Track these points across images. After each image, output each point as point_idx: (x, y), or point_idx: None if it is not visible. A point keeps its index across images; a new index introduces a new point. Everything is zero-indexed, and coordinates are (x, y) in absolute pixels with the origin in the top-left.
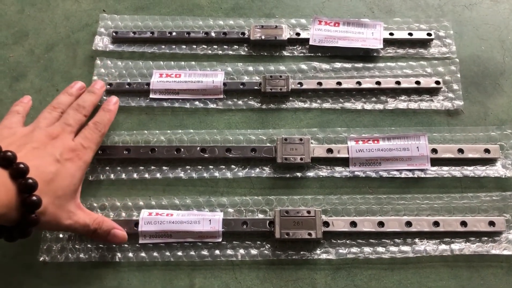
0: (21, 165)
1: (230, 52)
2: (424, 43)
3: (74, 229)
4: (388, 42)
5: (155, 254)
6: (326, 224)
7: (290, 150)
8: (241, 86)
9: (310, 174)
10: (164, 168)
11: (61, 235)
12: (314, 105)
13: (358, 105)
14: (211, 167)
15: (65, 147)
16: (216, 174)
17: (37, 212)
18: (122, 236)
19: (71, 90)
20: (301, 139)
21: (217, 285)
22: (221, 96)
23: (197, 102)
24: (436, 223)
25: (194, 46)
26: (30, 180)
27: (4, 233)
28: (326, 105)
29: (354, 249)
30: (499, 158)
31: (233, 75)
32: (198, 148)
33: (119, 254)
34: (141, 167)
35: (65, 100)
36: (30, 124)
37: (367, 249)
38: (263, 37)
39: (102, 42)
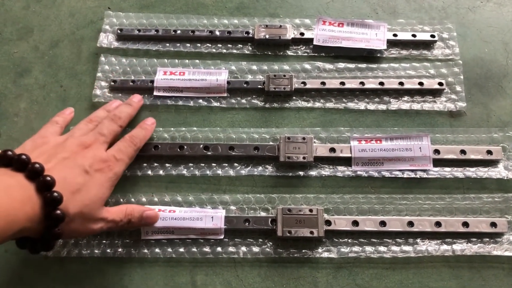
0: (48, 178)
1: (234, 51)
2: (427, 45)
3: (107, 229)
4: (391, 43)
5: (157, 250)
6: (328, 222)
7: (293, 149)
8: (245, 85)
9: (313, 173)
10: (167, 165)
11: None
12: (317, 104)
13: (361, 105)
14: (214, 164)
15: (95, 158)
16: (219, 171)
17: (66, 220)
18: (155, 216)
19: (109, 107)
20: (304, 138)
21: (218, 282)
22: (225, 95)
23: (200, 100)
24: (438, 224)
25: (199, 45)
26: (55, 194)
27: (28, 244)
28: (329, 104)
29: (355, 248)
30: (501, 160)
31: (237, 73)
32: (201, 145)
33: (121, 250)
34: (144, 164)
35: (102, 114)
36: (65, 134)
37: (368, 248)
38: (267, 37)
39: (107, 39)
